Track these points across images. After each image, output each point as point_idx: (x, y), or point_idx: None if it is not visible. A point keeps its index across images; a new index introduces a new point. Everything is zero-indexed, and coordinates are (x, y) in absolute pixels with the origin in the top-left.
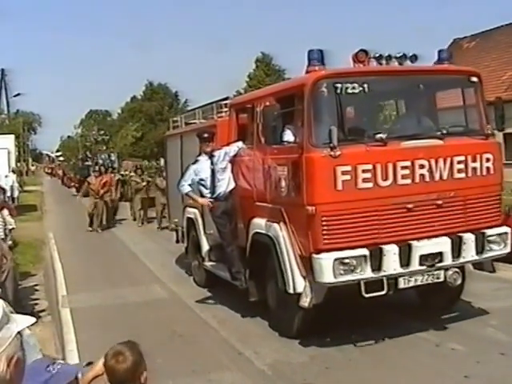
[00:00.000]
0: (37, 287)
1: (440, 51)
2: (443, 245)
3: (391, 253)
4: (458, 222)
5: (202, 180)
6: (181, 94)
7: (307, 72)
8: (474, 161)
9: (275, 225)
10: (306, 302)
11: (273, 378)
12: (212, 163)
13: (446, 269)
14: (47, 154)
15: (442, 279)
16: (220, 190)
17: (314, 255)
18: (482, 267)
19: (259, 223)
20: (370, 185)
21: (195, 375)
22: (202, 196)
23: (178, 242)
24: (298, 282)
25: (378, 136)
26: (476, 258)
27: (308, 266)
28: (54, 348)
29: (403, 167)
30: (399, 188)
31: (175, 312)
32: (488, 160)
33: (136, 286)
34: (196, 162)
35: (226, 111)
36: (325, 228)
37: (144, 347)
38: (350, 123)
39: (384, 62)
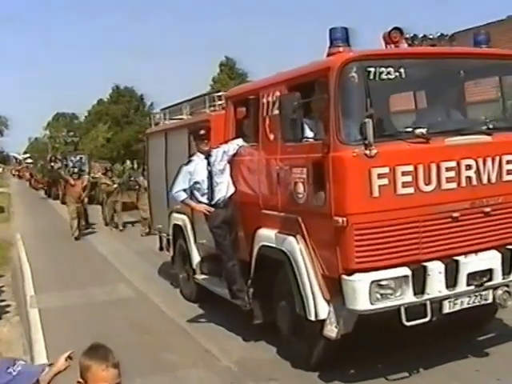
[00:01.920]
0: (4, 288)
1: (476, 34)
2: (493, 260)
3: (436, 272)
4: (506, 233)
5: (196, 183)
6: (146, 97)
7: (330, 54)
8: None
9: (290, 238)
10: (332, 331)
11: (239, 374)
12: (209, 164)
13: (495, 288)
14: (14, 156)
15: (490, 300)
16: (219, 196)
17: (345, 277)
18: None
19: (267, 235)
20: (411, 190)
21: (162, 373)
22: (199, 202)
23: (161, 249)
24: (320, 308)
25: (419, 131)
26: None
27: (333, 289)
28: (21, 348)
29: (448, 169)
30: (444, 193)
31: (143, 311)
32: None
33: (104, 286)
34: (190, 162)
35: (220, 104)
36: (358, 243)
37: (111, 346)
38: (385, 115)
39: (418, 43)
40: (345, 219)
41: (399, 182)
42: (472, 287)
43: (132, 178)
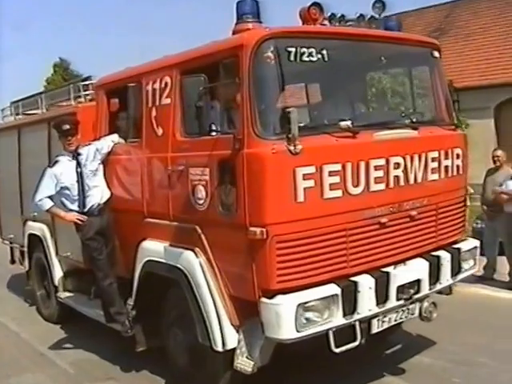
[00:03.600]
0: None
1: (387, 18)
2: (421, 270)
3: (366, 287)
4: (430, 238)
5: (65, 188)
6: None
7: (237, 32)
8: (446, 158)
9: (187, 252)
10: (246, 364)
11: (75, 376)
12: (79, 165)
13: (421, 300)
14: None
15: (416, 314)
16: (92, 202)
17: (265, 300)
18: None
19: (155, 248)
20: (338, 193)
21: None
22: (70, 210)
23: (13, 262)
24: (228, 336)
25: (344, 124)
26: (451, 281)
27: (244, 313)
28: None
29: (377, 167)
30: (372, 196)
31: None
32: (458, 157)
33: None
34: (55, 163)
35: (87, 95)
36: (281, 259)
37: None
38: (305, 104)
39: (337, 24)
40: (264, 230)
41: (326, 183)
42: (401, 301)
43: None
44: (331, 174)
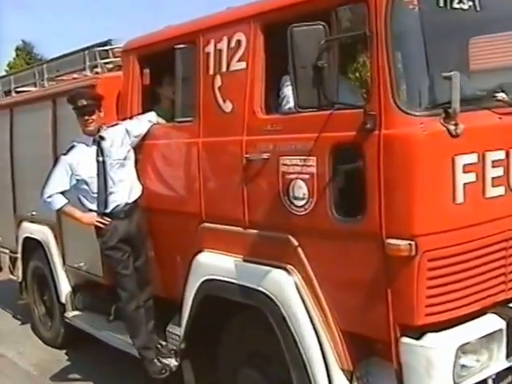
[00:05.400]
0: None
1: None
2: None
3: None
4: None
5: (82, 183)
6: None
7: None
8: None
9: (276, 271)
10: None
11: (39, 377)
12: (101, 152)
13: None
14: None
15: None
16: (118, 201)
17: (408, 341)
18: None
19: (219, 264)
20: (501, 191)
21: None
22: (89, 210)
23: (0, 270)
24: None
25: (500, 95)
26: None
27: (361, 353)
28: None
29: None
30: None
31: None
32: None
33: None
34: (70, 150)
35: (106, 63)
36: (432, 283)
37: None
38: (459, 68)
39: None
40: (412, 244)
41: (489, 177)
42: None
43: None
44: (494, 164)
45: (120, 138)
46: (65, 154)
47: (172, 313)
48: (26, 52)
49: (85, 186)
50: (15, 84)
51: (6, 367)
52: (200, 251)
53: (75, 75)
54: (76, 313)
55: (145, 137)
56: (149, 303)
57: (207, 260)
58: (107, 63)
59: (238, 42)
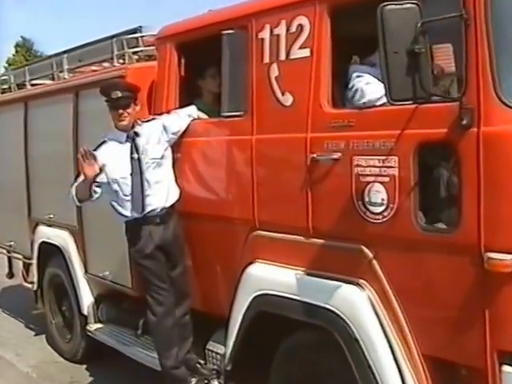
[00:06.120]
0: None
1: None
2: None
3: None
4: None
5: (113, 183)
6: None
7: None
8: None
9: (347, 287)
10: None
11: (38, 379)
12: (136, 150)
13: None
14: None
15: None
16: (154, 204)
17: (510, 369)
18: None
19: (275, 278)
20: None
21: None
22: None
23: (11, 276)
24: None
25: None
26: None
27: (444, 380)
28: None
29: None
30: None
31: None
32: None
33: None
34: (100, 146)
35: (135, 52)
36: None
37: None
38: None
39: None
40: None
41: None
42: None
43: None
44: None
45: (156, 134)
46: (94, 151)
47: (211, 329)
48: (25, 48)
49: (116, 187)
50: (30, 76)
51: (4, 369)
52: (251, 262)
53: (93, 67)
54: (99, 325)
55: (184, 133)
56: (185, 319)
57: (261, 272)
58: (136, 52)
59: (300, 26)
